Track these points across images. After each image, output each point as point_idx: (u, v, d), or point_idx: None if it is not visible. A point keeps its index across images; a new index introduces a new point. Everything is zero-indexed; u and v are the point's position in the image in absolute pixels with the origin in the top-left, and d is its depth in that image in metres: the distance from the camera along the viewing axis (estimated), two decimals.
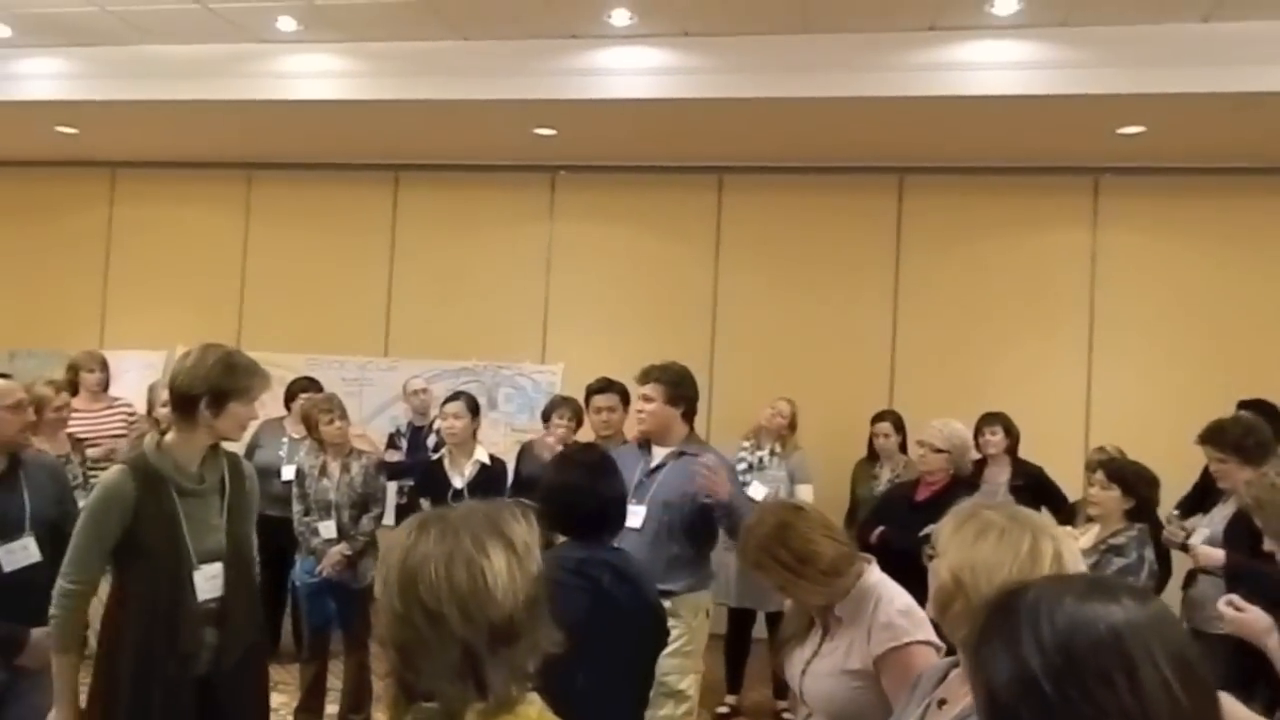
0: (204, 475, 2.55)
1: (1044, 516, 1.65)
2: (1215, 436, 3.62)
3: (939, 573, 1.56)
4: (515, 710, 1.17)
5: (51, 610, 2.46)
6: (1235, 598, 2.60)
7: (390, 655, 1.19)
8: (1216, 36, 4.55)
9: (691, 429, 3.55)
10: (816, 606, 2.18)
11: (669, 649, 3.26)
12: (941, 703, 1.55)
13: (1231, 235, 5.99)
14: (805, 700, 2.17)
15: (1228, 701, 1.99)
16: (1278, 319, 5.90)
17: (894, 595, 2.13)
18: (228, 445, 2.71)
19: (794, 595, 2.20)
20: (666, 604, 3.27)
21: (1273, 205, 5.96)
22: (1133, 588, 0.95)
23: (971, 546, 1.53)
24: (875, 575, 2.17)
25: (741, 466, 5.17)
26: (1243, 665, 2.56)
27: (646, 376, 3.50)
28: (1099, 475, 3.56)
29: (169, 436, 2.54)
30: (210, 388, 2.47)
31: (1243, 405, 4.45)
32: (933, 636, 2.05)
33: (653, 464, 3.43)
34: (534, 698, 1.22)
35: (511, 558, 1.18)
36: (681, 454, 3.39)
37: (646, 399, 3.45)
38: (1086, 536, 3.58)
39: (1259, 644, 1.90)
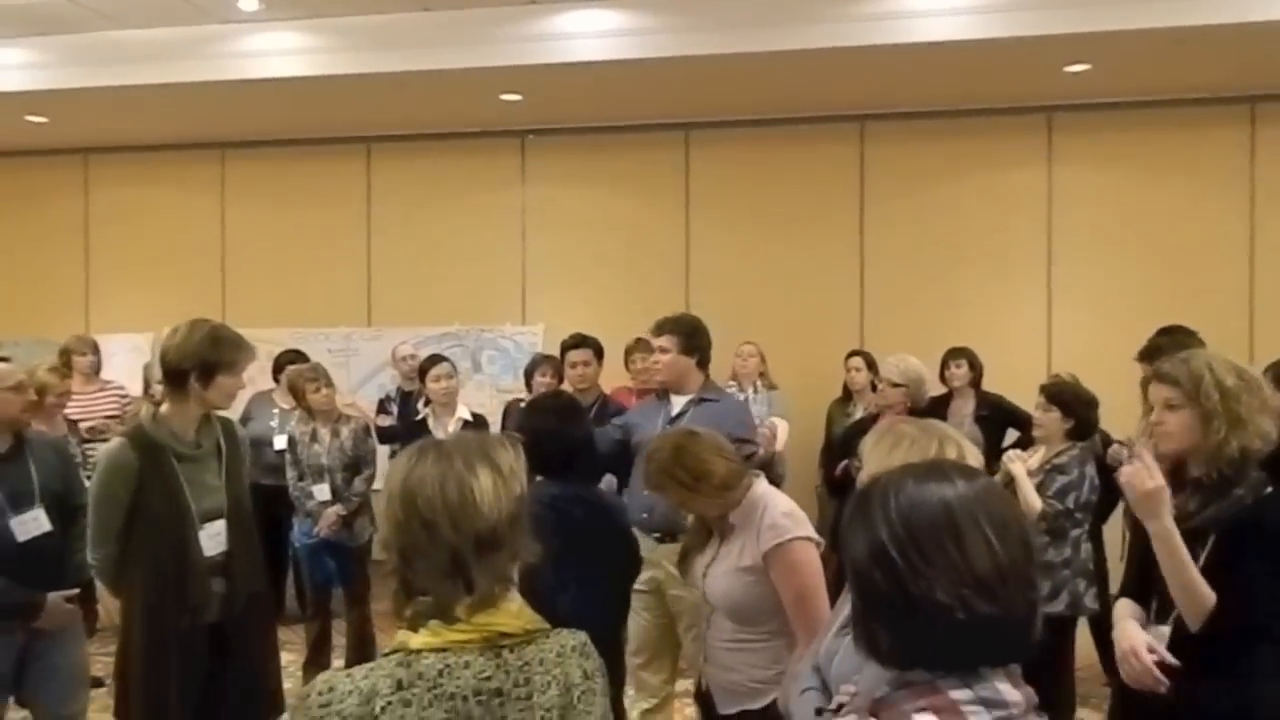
0: (200, 441, 2.74)
1: (946, 426, 1.86)
2: (1152, 353, 3.82)
3: (862, 480, 1.78)
4: (497, 605, 1.38)
5: (94, 574, 2.81)
6: (1141, 450, 2.45)
7: (393, 557, 1.40)
8: None
9: (707, 376, 3.71)
10: (714, 518, 2.44)
11: None
12: None
13: (1179, 166, 6.20)
14: (708, 599, 2.45)
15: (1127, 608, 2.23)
16: (1225, 245, 6.14)
17: (778, 501, 2.41)
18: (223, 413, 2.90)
19: (693, 509, 2.47)
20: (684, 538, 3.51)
21: (1218, 135, 6.16)
22: (965, 468, 1.16)
23: (887, 455, 1.75)
24: (763, 486, 2.45)
25: None
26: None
27: (660, 329, 3.65)
28: (1041, 399, 3.79)
29: (163, 408, 2.72)
30: (198, 361, 2.65)
31: (1162, 332, 4.67)
32: (812, 533, 2.37)
33: (674, 412, 3.60)
34: (514, 595, 1.43)
35: (497, 478, 1.39)
36: (701, 400, 3.58)
37: (662, 350, 3.61)
38: (1035, 457, 3.82)
39: (1142, 515, 2.05)
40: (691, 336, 3.61)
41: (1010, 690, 1.07)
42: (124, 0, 5.29)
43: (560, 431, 2.45)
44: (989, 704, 1.05)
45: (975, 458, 1.75)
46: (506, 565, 1.39)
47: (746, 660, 2.40)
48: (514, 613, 1.39)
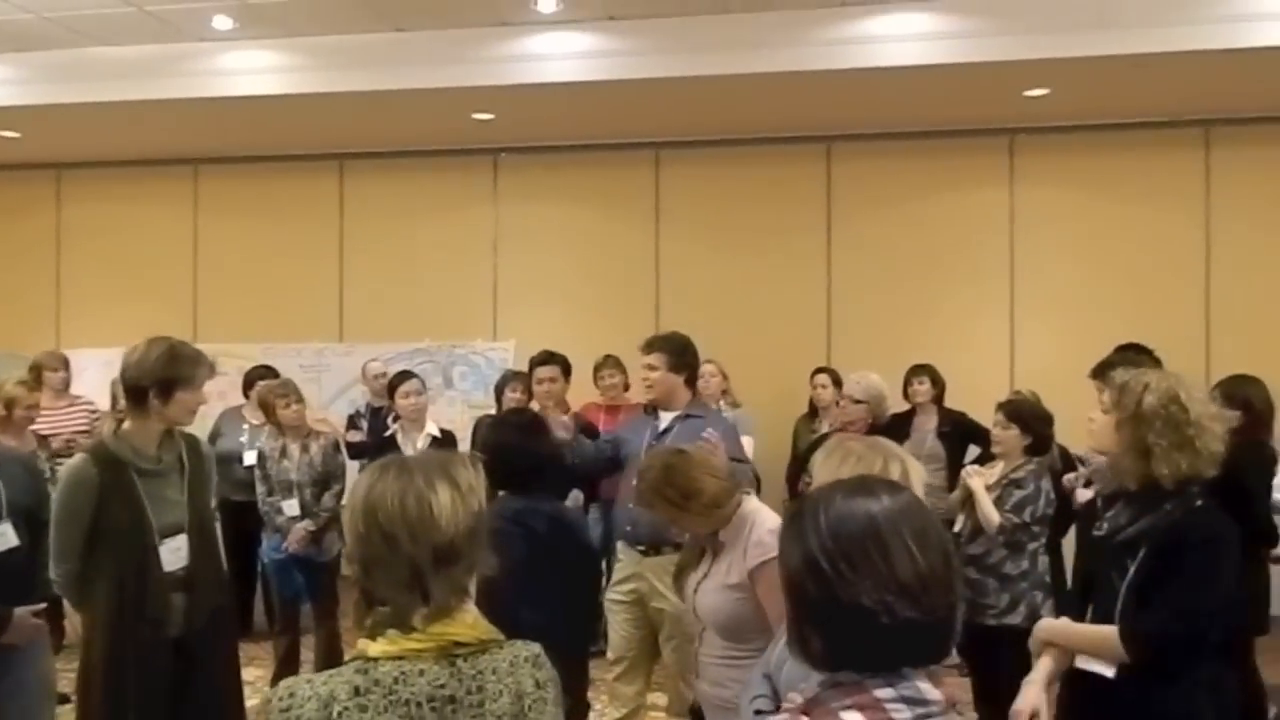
0: (161, 456, 2.76)
1: (892, 443, 1.93)
2: (1103, 373, 3.93)
3: None
4: (453, 615, 1.44)
5: (56, 590, 2.79)
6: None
7: (355, 568, 1.46)
8: (1105, 3, 4.85)
9: (695, 394, 3.79)
10: (704, 535, 2.49)
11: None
12: None
13: (1137, 186, 6.37)
14: (698, 615, 2.49)
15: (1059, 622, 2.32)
16: (1182, 263, 6.31)
17: (766, 518, 2.46)
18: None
19: (684, 527, 2.52)
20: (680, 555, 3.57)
21: (1174, 156, 6.34)
22: (890, 484, 1.24)
23: (835, 471, 1.83)
24: (752, 504, 2.50)
25: None
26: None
27: (650, 346, 3.72)
28: (999, 416, 3.88)
29: (125, 425, 2.75)
30: (157, 378, 2.68)
31: (1120, 349, 4.81)
32: None
33: (661, 427, 3.66)
34: (470, 606, 1.49)
35: (455, 494, 1.45)
36: (687, 417, 3.64)
37: (651, 367, 3.67)
38: (993, 472, 3.91)
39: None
40: (680, 354, 3.69)
41: (930, 689, 1.14)
42: (97, 18, 5.31)
43: (523, 447, 2.51)
44: (911, 702, 1.13)
45: (919, 473, 1.83)
46: (463, 578, 1.45)
47: (736, 676, 2.41)
48: (469, 623, 1.45)
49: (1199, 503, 2.20)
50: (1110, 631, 2.16)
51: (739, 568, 2.39)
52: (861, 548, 1.13)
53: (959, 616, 1.17)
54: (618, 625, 3.49)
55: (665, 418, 3.69)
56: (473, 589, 1.50)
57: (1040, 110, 5.98)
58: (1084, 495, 3.96)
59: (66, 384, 5.55)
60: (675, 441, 3.55)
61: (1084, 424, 3.87)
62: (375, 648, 1.40)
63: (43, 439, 4.73)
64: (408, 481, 1.43)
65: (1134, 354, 4.18)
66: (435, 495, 1.42)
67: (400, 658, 1.39)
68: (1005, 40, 5.00)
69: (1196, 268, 6.31)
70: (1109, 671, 2.15)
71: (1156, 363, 4.72)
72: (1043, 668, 2.22)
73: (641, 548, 3.37)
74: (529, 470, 2.48)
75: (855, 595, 1.11)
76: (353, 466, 5.41)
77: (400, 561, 1.40)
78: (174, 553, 2.72)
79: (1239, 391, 3.90)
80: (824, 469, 1.85)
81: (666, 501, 2.43)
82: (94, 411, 5.62)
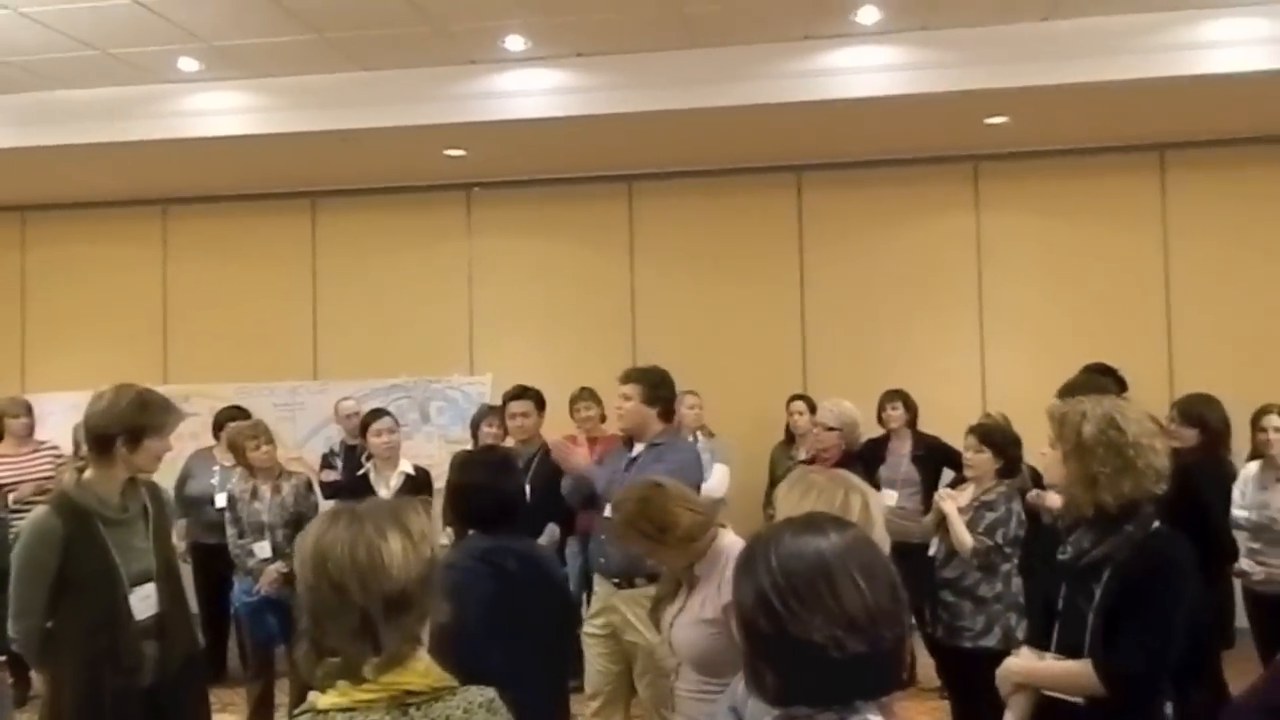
0: (126, 505, 2.74)
1: (853, 476, 1.96)
2: (1068, 393, 3.99)
3: None
4: (405, 664, 1.43)
5: (15, 648, 2.74)
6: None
7: (304, 619, 1.45)
8: (1057, 33, 4.97)
9: (668, 426, 3.82)
10: (680, 568, 2.48)
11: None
12: None
13: (1097, 209, 6.50)
14: (674, 649, 2.48)
15: (1026, 653, 2.34)
16: (1143, 282, 6.43)
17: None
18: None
19: (659, 559, 2.52)
20: (653, 589, 3.56)
21: (1131, 180, 6.48)
22: (838, 521, 1.26)
23: (797, 504, 1.85)
24: (728, 537, 2.50)
25: None
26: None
27: (627, 377, 3.79)
28: (971, 439, 3.92)
29: (88, 473, 2.71)
30: (125, 426, 2.66)
31: (1087, 369, 4.88)
32: None
33: (632, 455, 3.72)
34: (422, 654, 1.47)
35: (407, 542, 1.45)
36: (654, 446, 3.69)
37: (625, 398, 3.73)
38: (965, 495, 3.95)
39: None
40: (655, 387, 3.73)
41: None
42: (62, 61, 5.30)
43: (492, 486, 2.50)
44: None
45: (879, 504, 1.85)
46: (415, 625, 1.45)
47: (711, 710, 2.40)
48: (421, 671, 1.44)
49: (1156, 524, 2.23)
50: (1084, 667, 2.17)
51: (714, 602, 2.39)
52: (811, 584, 1.15)
53: (906, 648, 1.19)
54: (593, 660, 3.49)
55: (637, 449, 3.74)
56: (425, 637, 1.50)
57: (1002, 137, 6.10)
58: (1054, 500, 3.99)
59: (30, 430, 5.48)
60: (642, 472, 3.59)
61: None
62: (325, 700, 1.39)
63: (1, 488, 4.65)
64: (358, 530, 1.43)
65: (1099, 375, 4.24)
66: (386, 543, 1.42)
67: (351, 709, 1.38)
68: (963, 70, 5.11)
69: (1157, 288, 6.43)
70: (1079, 698, 2.17)
71: (1121, 382, 4.80)
72: (1017, 710, 2.24)
73: (615, 580, 3.38)
74: (497, 509, 2.47)
75: (806, 631, 1.13)
76: (327, 506, 5.38)
77: (350, 611, 1.39)
78: (144, 600, 2.70)
79: (1194, 410, 3.98)
80: (786, 502, 1.87)
81: (642, 534, 2.43)
82: (59, 456, 5.55)
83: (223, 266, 7.32)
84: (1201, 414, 4.03)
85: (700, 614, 2.42)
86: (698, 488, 3.58)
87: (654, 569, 3.43)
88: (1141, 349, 5.41)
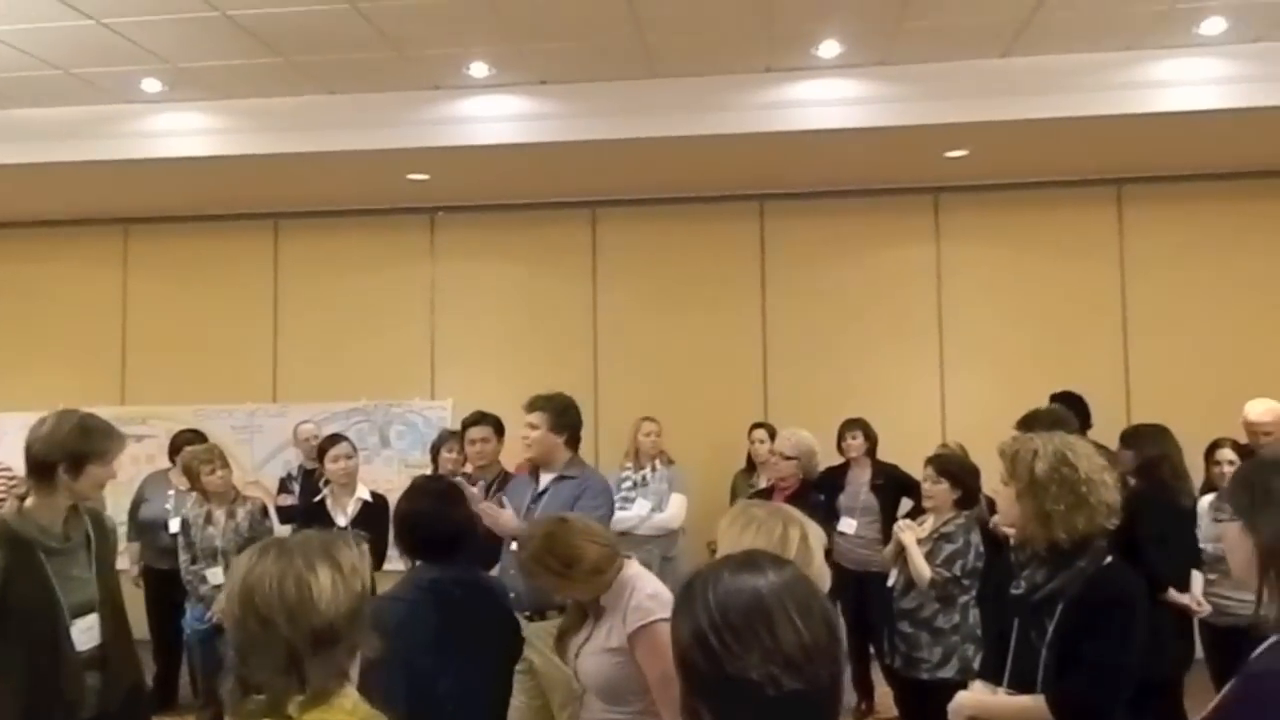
0: (69, 534, 2.68)
1: (793, 510, 1.97)
2: (1028, 424, 4.04)
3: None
4: (331, 701, 1.41)
5: None
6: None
7: (230, 655, 1.43)
8: (1015, 70, 5.08)
9: (575, 454, 3.80)
10: (588, 600, 2.51)
11: None
12: None
13: (1056, 241, 6.62)
14: (579, 679, 2.50)
15: (979, 686, 2.36)
16: (1100, 313, 6.55)
17: (646, 583, 2.49)
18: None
19: (566, 594, 2.53)
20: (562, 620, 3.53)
21: (1089, 213, 6.61)
22: (776, 559, 1.26)
23: (738, 537, 1.86)
24: (634, 569, 2.52)
25: (627, 485, 5.49)
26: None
27: (532, 406, 3.75)
28: (929, 470, 3.95)
29: (29, 502, 2.65)
30: (68, 453, 2.60)
31: (1054, 398, 4.96)
32: None
33: (539, 489, 3.70)
34: (350, 691, 1.46)
35: (337, 576, 1.44)
36: (562, 478, 3.67)
37: (532, 426, 3.70)
38: (925, 525, 3.97)
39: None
40: (562, 414, 3.72)
41: None
42: (23, 81, 5.24)
43: (439, 514, 2.49)
44: None
45: (819, 537, 1.86)
46: (343, 660, 1.44)
47: None
48: (348, 709, 1.42)
49: (1108, 559, 2.26)
50: (1036, 703, 2.19)
51: (619, 632, 2.42)
52: (747, 622, 1.15)
53: (842, 685, 1.19)
54: (513, 696, 3.46)
55: (544, 480, 3.73)
56: (354, 672, 1.48)
57: (961, 170, 6.20)
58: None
59: None
60: (550, 505, 3.59)
61: None
62: None
63: None
64: (287, 564, 1.42)
65: (1066, 403, 4.31)
66: (315, 577, 1.41)
67: None
68: (923, 105, 5.19)
69: (1114, 318, 6.55)
70: None
71: (1085, 411, 4.87)
72: None
73: (527, 614, 3.36)
74: (445, 538, 2.46)
75: (742, 669, 1.13)
76: (282, 532, 5.32)
77: (277, 646, 1.38)
78: (86, 632, 2.64)
79: (1138, 442, 4.03)
80: (726, 536, 1.88)
81: (548, 570, 2.45)
82: (12, 477, 5.43)
83: (184, 287, 7.25)
84: (1144, 445, 4.10)
85: (606, 643, 2.44)
86: (610, 516, 3.60)
87: (564, 601, 3.46)
88: (1099, 378, 5.49)
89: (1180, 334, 6.43)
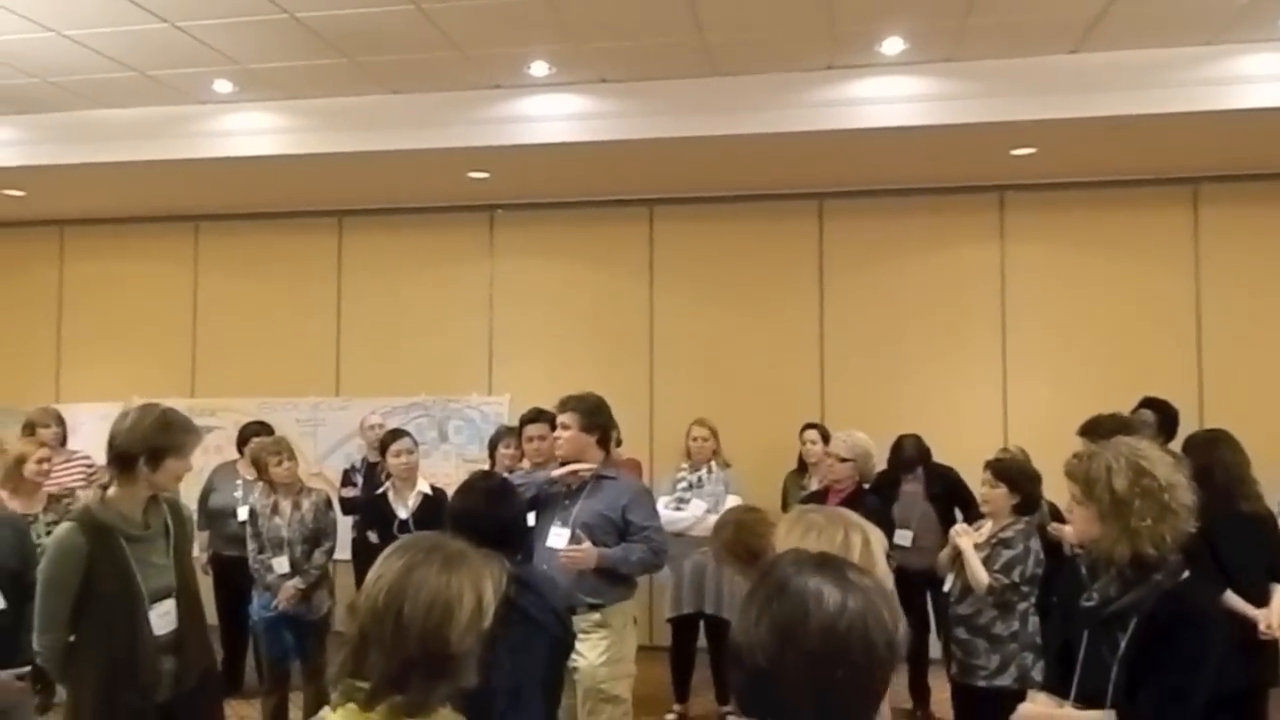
0: (148, 522, 2.78)
1: (852, 514, 1.95)
2: (1091, 429, 3.93)
3: None
4: (428, 714, 1.45)
5: (39, 661, 2.77)
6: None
7: (353, 629, 1.48)
8: (1086, 66, 4.95)
9: (608, 453, 3.83)
10: None
11: (601, 658, 3.53)
12: None
13: (1127, 243, 6.42)
14: None
15: (1044, 699, 2.30)
16: (1173, 319, 6.34)
17: None
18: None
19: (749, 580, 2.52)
20: (596, 615, 3.55)
21: (1163, 214, 6.40)
22: (850, 569, 1.24)
23: (799, 542, 1.84)
24: None
25: (683, 485, 5.49)
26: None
27: (564, 406, 3.78)
28: (986, 475, 3.88)
29: (111, 491, 2.75)
30: (148, 446, 2.69)
31: (1142, 403, 4.80)
32: None
33: (573, 488, 3.71)
34: (445, 714, 1.49)
35: (476, 612, 1.48)
36: (600, 478, 3.69)
37: (564, 427, 3.73)
38: (982, 531, 3.90)
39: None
40: (592, 415, 3.73)
41: None
42: (102, 81, 5.44)
43: (489, 512, 2.52)
44: None
45: (879, 541, 1.84)
46: (446, 689, 1.48)
47: None
48: None
49: (1186, 574, 2.18)
50: (1106, 718, 2.14)
51: None
52: (808, 631, 1.15)
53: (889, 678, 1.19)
54: None
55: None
56: (449, 700, 1.51)
57: (1028, 168, 6.06)
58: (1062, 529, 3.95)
59: (61, 439, 5.56)
60: (586, 503, 3.62)
61: None
62: (334, 717, 1.44)
63: (54, 498, 4.71)
64: (444, 583, 1.46)
65: (1151, 410, 4.17)
66: (460, 608, 1.45)
67: None
68: (988, 102, 5.09)
69: (1188, 324, 6.33)
70: None
71: (1173, 420, 4.68)
72: None
73: None
74: (496, 535, 2.48)
75: (785, 692, 1.15)
76: (344, 522, 5.43)
77: (398, 654, 1.43)
78: (163, 617, 2.73)
79: (1191, 452, 3.84)
80: (785, 543, 1.86)
81: (736, 559, 2.48)
82: (90, 465, 5.64)
83: (251, 283, 7.44)
84: (1193, 454, 3.92)
85: None
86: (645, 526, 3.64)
87: (595, 600, 3.51)
88: (1170, 389, 5.30)
89: (1259, 344, 6.18)
